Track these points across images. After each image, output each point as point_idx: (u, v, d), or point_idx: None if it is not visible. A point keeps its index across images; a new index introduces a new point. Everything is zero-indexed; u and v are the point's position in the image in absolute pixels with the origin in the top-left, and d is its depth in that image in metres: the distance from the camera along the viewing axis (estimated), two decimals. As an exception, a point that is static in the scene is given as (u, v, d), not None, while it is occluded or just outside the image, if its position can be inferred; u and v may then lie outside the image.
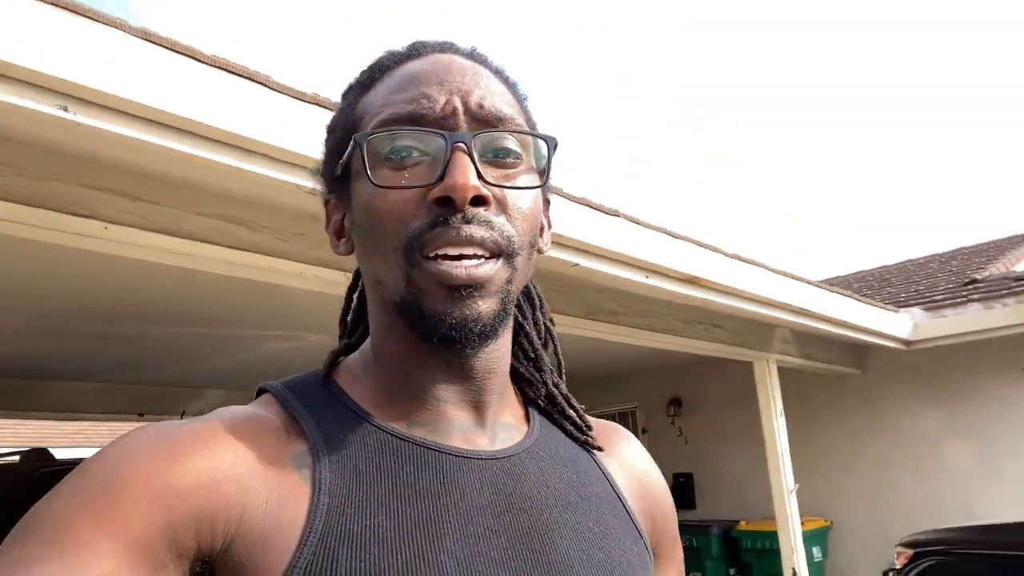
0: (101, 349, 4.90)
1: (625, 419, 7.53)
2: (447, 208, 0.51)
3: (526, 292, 0.70)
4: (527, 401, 0.68)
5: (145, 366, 5.53)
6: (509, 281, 0.55)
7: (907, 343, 5.55)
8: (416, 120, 0.54)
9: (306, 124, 2.10)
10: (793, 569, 4.97)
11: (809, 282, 4.57)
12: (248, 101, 1.98)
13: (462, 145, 0.52)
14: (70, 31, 1.61)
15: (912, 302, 5.89)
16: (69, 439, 12.02)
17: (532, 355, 0.68)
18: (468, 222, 0.52)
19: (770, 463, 5.04)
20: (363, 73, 0.63)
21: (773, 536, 5.30)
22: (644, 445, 0.76)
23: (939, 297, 5.81)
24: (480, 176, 0.52)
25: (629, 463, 0.70)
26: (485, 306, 0.53)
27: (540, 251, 0.62)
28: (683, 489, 7.06)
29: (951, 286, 6.21)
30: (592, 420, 0.71)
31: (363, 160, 0.54)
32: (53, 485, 0.48)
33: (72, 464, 3.11)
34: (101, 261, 2.69)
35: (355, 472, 0.52)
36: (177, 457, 0.48)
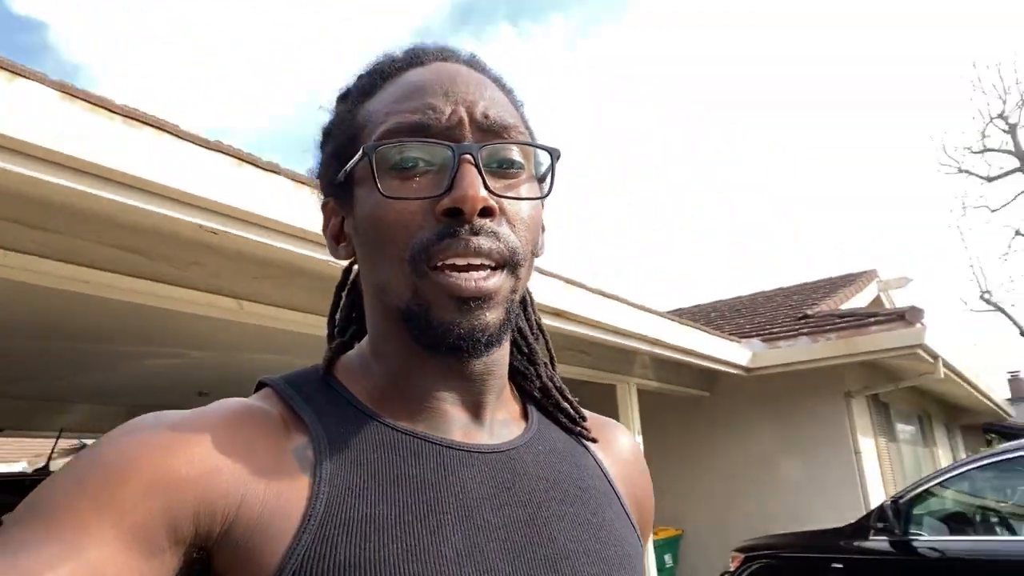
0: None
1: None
2: (455, 219, 0.52)
3: None
4: (524, 396, 0.69)
5: (10, 380, 5.33)
6: (513, 291, 0.55)
7: (747, 370, 6.26)
8: (422, 130, 0.54)
9: (212, 171, 2.30)
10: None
11: (663, 315, 5.12)
12: (157, 148, 2.17)
13: (469, 156, 0.53)
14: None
15: (754, 333, 6.64)
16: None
17: (526, 350, 0.69)
18: (476, 233, 0.52)
19: (628, 477, 5.52)
20: (362, 78, 0.63)
21: (629, 544, 5.78)
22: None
23: (776, 329, 6.59)
24: (487, 187, 0.53)
25: (621, 455, 0.71)
26: (492, 317, 0.53)
27: (537, 255, 0.63)
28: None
29: (787, 320, 7.02)
30: (587, 413, 0.71)
31: (371, 170, 0.54)
32: None
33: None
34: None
35: (356, 463, 0.53)
36: (177, 445, 0.49)
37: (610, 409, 5.76)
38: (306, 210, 2.64)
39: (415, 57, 0.61)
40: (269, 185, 2.51)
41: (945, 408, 10.71)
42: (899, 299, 10.27)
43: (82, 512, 0.44)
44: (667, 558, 6.48)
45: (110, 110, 2.03)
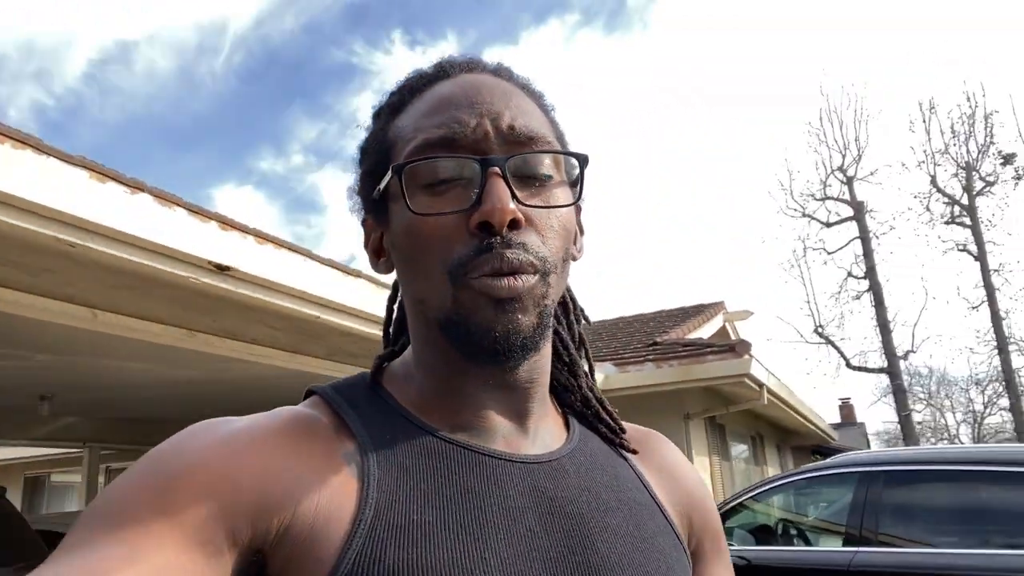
0: None
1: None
2: (487, 232, 0.53)
3: (560, 298, 0.68)
4: (564, 407, 0.69)
5: None
6: (544, 296, 0.56)
7: (604, 391, 6.70)
8: (449, 144, 0.55)
9: (74, 186, 2.35)
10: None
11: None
12: (17, 163, 2.21)
13: (496, 169, 0.54)
14: None
15: (608, 357, 7.14)
16: None
17: (567, 359, 0.69)
18: (508, 246, 0.53)
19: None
20: (392, 95, 0.64)
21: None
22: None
23: (627, 355, 7.12)
24: (515, 197, 0.53)
25: (664, 465, 0.70)
26: (525, 320, 0.54)
27: (574, 259, 0.63)
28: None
29: (639, 346, 7.58)
30: (627, 425, 0.71)
31: (401, 188, 0.55)
32: None
33: None
34: None
35: (402, 469, 0.54)
36: (235, 450, 0.51)
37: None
38: (170, 225, 2.72)
39: (442, 70, 0.62)
40: (133, 201, 2.58)
41: (776, 430, 11.81)
42: (743, 330, 11.26)
43: (144, 516, 0.45)
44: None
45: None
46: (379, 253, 0.65)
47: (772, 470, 10.93)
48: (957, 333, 23.94)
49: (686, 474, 0.71)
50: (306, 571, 0.48)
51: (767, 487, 4.87)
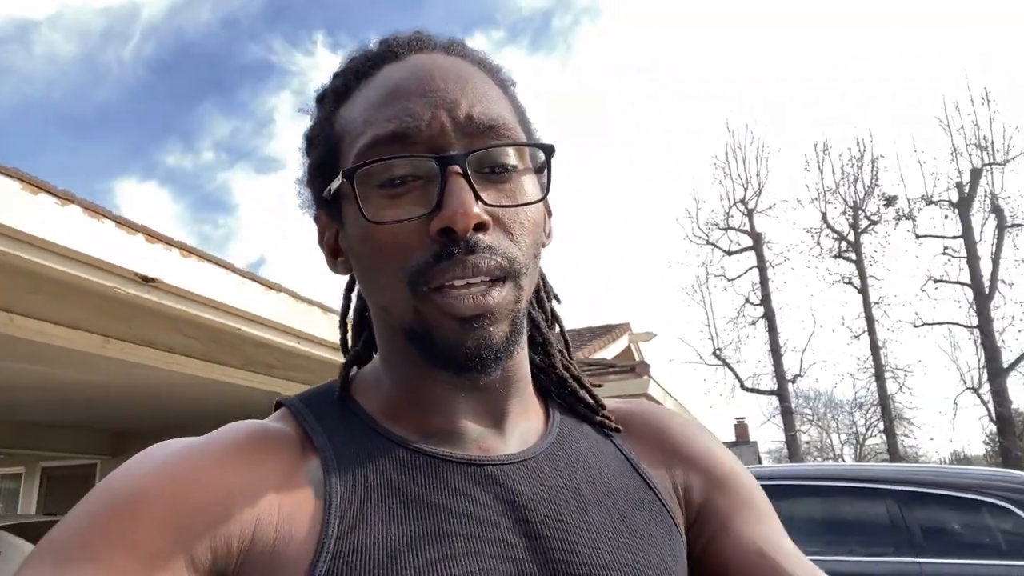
0: None
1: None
2: (449, 237, 0.50)
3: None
4: (546, 394, 0.66)
5: None
6: (517, 301, 0.53)
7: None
8: (402, 139, 0.52)
9: (4, 195, 2.42)
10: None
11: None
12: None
13: (457, 168, 0.50)
14: None
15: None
16: None
17: (539, 339, 0.66)
18: (472, 251, 0.50)
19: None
20: (337, 79, 0.60)
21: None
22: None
23: (537, 372, 7.41)
24: (479, 198, 0.50)
25: (651, 432, 0.65)
26: (497, 332, 0.51)
27: (544, 246, 0.60)
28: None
29: (548, 363, 7.88)
30: (614, 402, 0.68)
31: (354, 194, 0.52)
32: None
33: None
34: None
35: (366, 485, 0.52)
36: (190, 472, 0.48)
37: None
38: (98, 237, 2.80)
39: (389, 51, 0.58)
40: (63, 213, 2.66)
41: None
42: (647, 351, 11.82)
43: (98, 545, 0.44)
44: None
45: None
46: (336, 252, 0.61)
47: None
48: (841, 359, 25.63)
49: (675, 433, 0.66)
50: None
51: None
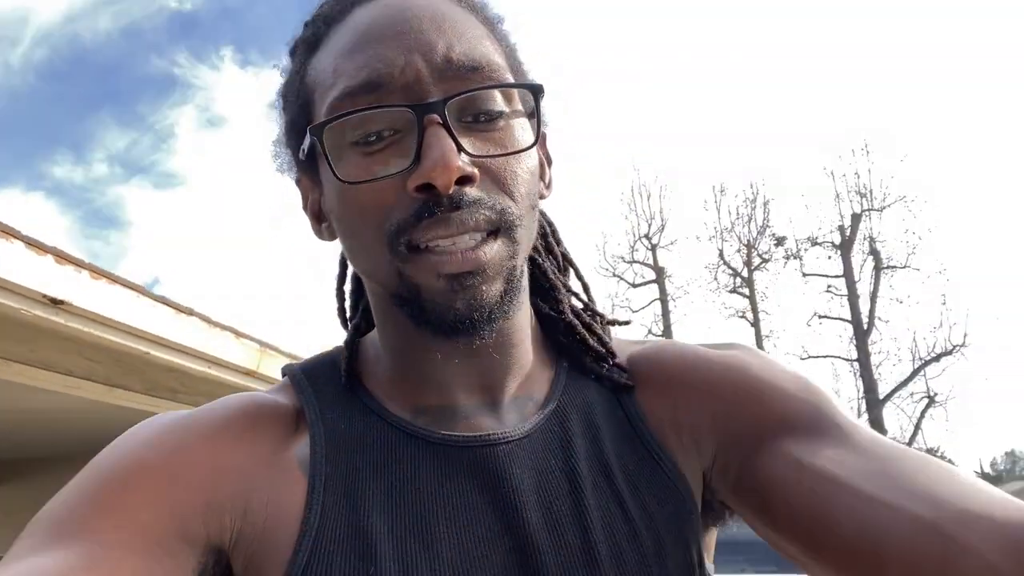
0: None
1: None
2: (430, 194, 0.46)
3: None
4: (558, 349, 0.61)
5: None
6: (512, 256, 0.49)
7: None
8: (374, 88, 0.47)
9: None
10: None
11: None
12: None
13: (435, 117, 0.46)
14: None
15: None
16: None
17: (546, 286, 0.61)
18: (457, 207, 0.46)
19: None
20: (307, 27, 0.55)
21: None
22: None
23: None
24: (461, 148, 0.46)
25: (672, 379, 0.58)
26: (490, 290, 0.48)
27: (543, 197, 0.56)
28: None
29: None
30: (630, 348, 0.62)
31: (324, 154, 0.48)
32: None
33: None
34: None
35: (351, 467, 0.50)
36: (181, 447, 0.48)
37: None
38: (7, 257, 2.74)
39: None
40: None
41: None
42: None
43: (90, 518, 0.44)
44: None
45: None
46: (319, 217, 0.58)
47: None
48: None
49: (705, 374, 0.57)
50: (263, 574, 0.47)
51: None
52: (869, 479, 0.46)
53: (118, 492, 0.45)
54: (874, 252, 15.64)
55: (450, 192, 0.46)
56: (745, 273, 17.33)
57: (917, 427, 14.73)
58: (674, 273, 18.66)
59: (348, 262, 0.61)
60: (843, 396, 18.73)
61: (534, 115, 0.53)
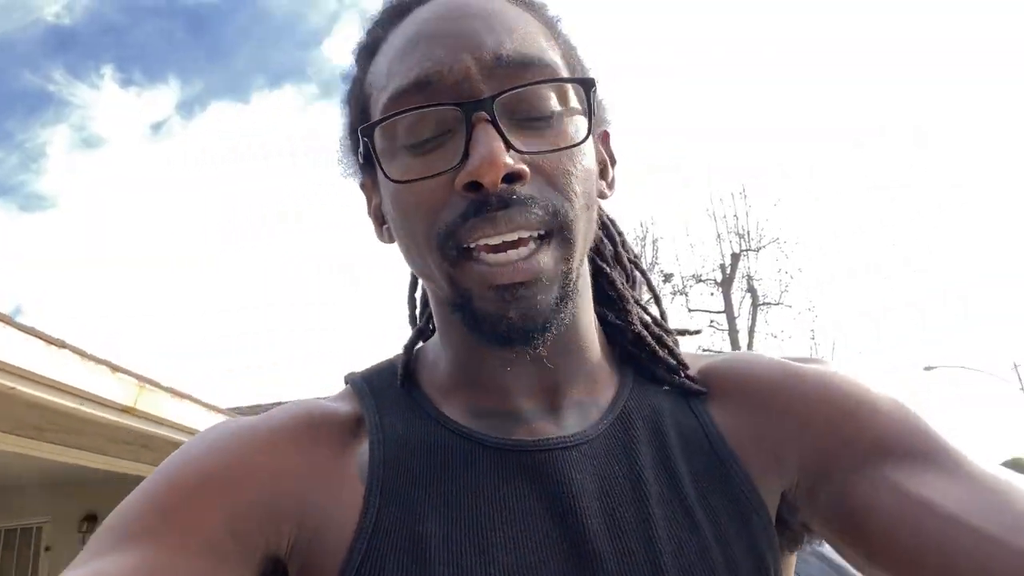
0: None
1: (28, 535, 6.97)
2: (478, 193, 0.45)
3: (604, 229, 0.61)
4: (623, 357, 0.60)
5: None
6: (566, 260, 0.48)
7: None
8: (424, 88, 0.47)
9: None
10: None
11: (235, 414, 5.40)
12: None
13: (483, 114, 0.45)
14: None
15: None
16: None
17: (613, 296, 0.60)
18: (506, 205, 0.45)
19: None
20: (368, 33, 0.56)
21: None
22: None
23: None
24: (510, 145, 0.45)
25: (749, 393, 0.56)
26: (543, 299, 0.46)
27: (604, 197, 0.55)
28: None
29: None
30: (704, 360, 0.60)
31: (374, 154, 0.49)
32: None
33: None
34: None
35: (408, 472, 0.50)
36: (241, 455, 0.49)
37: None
38: None
39: None
40: None
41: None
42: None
43: (151, 522, 0.45)
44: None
45: None
46: (380, 220, 0.58)
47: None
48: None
49: (797, 389, 0.55)
50: None
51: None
52: (989, 517, 0.43)
53: (180, 499, 0.47)
54: (752, 290, 16.63)
55: (498, 190, 0.45)
56: (635, 308, 17.92)
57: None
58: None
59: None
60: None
61: (590, 110, 0.51)
